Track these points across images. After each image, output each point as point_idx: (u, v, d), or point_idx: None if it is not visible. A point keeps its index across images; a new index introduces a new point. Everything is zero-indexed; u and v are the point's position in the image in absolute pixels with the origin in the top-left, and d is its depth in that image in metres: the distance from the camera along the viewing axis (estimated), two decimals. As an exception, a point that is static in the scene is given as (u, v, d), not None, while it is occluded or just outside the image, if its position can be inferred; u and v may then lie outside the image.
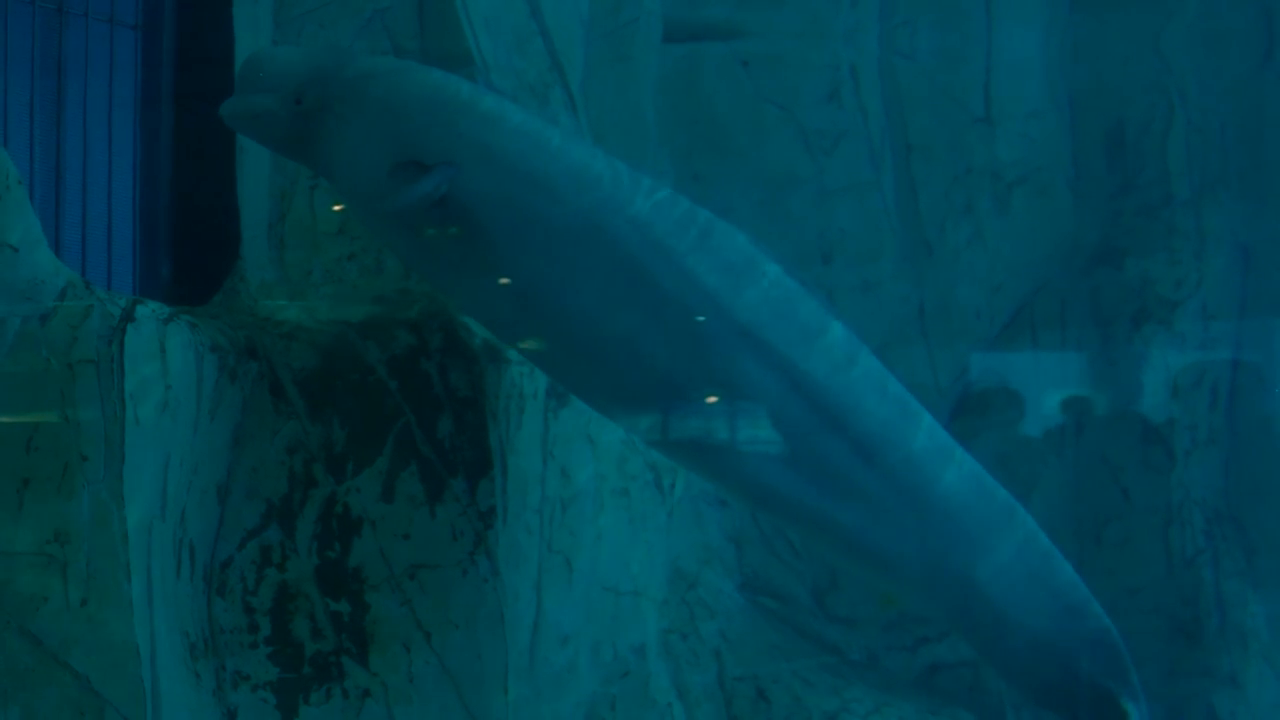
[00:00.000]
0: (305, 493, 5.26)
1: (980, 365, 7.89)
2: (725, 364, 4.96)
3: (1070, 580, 5.57)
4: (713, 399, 5.04)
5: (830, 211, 7.67)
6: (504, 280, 4.93)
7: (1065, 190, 8.11)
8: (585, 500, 5.96)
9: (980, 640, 5.69)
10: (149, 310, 4.74)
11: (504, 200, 4.85)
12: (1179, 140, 8.06)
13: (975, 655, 6.58)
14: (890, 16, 7.80)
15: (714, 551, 7.33)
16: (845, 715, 7.01)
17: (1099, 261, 8.06)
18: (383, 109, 4.95)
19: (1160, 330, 7.92)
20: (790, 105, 7.62)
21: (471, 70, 5.71)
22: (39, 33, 5.99)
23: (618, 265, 4.88)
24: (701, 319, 4.94)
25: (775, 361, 4.97)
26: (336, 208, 5.64)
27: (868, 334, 5.67)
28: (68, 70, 6.08)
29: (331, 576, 5.25)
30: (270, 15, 5.75)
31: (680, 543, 6.93)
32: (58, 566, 4.47)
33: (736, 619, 7.24)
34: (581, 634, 5.96)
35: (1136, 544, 7.73)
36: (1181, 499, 7.82)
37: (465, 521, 5.33)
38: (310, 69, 5.10)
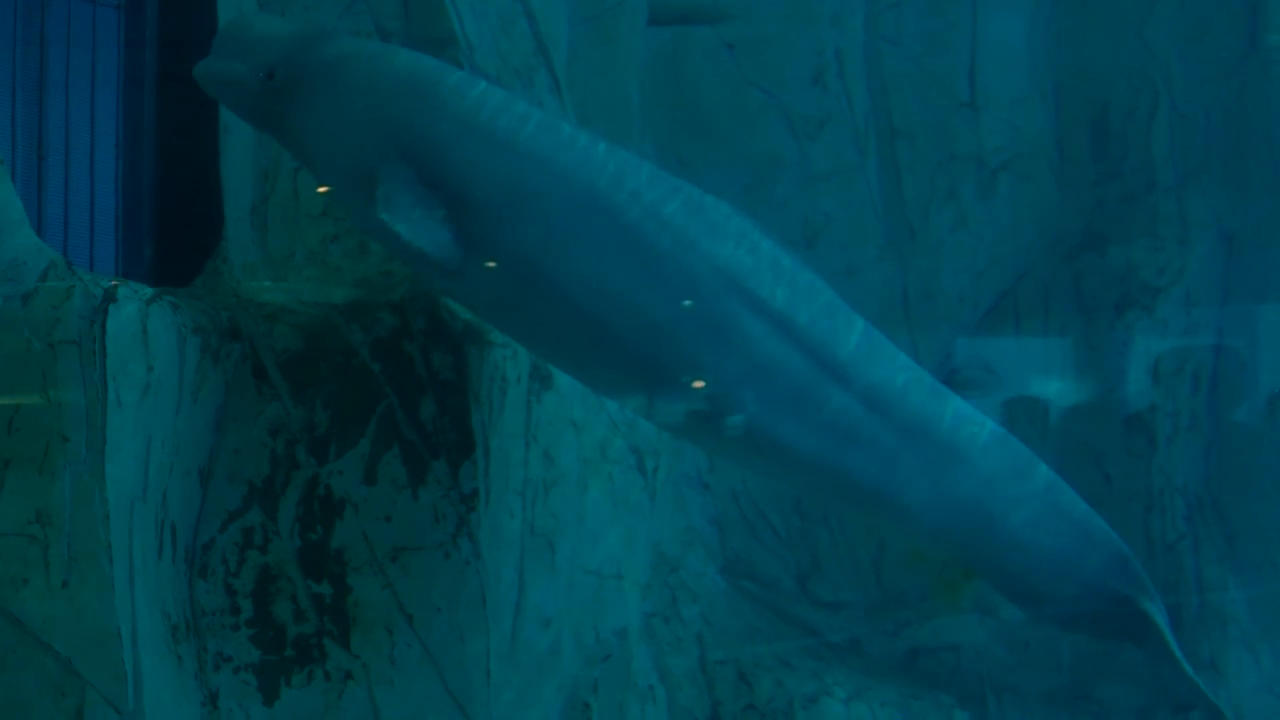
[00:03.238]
0: (287, 475, 5.25)
1: (964, 350, 7.91)
2: (725, 327, 4.99)
3: (1085, 511, 5.81)
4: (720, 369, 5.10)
5: (814, 196, 7.68)
6: (489, 264, 4.91)
7: (1049, 176, 8.13)
8: (568, 483, 5.97)
9: (1004, 580, 5.85)
10: (131, 291, 4.72)
11: (490, 184, 4.84)
12: (1163, 127, 8.07)
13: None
14: (876, 1, 7.80)
15: (696, 535, 7.34)
16: (826, 699, 7.03)
17: (1082, 248, 8.08)
18: (361, 94, 4.90)
19: (1143, 316, 7.94)
20: (775, 89, 7.62)
21: (455, 52, 5.70)
22: (21, 12, 5.96)
23: (612, 237, 4.89)
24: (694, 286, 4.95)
25: (778, 321, 5.00)
26: (321, 189, 5.62)
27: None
28: (50, 50, 6.05)
29: (313, 559, 5.24)
30: (254, -4, 5.73)
31: (663, 526, 6.94)
32: (39, 548, 4.46)
33: (719, 602, 7.26)
34: (563, 617, 5.97)
35: (1118, 529, 7.72)
36: (1163, 485, 7.85)
37: (447, 504, 5.33)
38: (288, 43, 5.03)
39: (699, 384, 5.07)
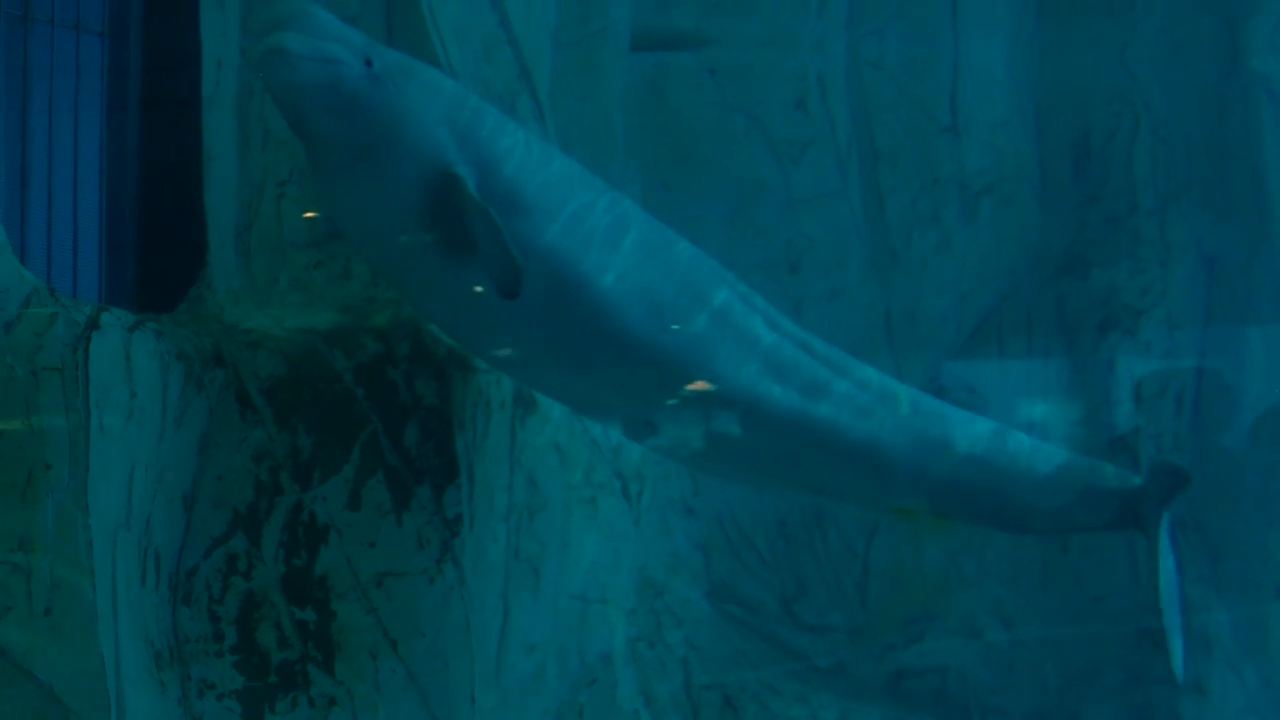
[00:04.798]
0: (271, 501, 5.25)
1: (948, 373, 7.93)
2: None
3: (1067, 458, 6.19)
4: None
5: (797, 220, 7.70)
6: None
7: (1031, 199, 8.16)
8: (553, 508, 5.97)
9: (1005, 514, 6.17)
10: (114, 318, 4.72)
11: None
12: (1144, 150, 8.11)
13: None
14: (858, 26, 7.83)
15: (681, 559, 7.34)
16: (812, 722, 7.03)
17: (1065, 270, 8.11)
18: (431, 99, 4.90)
19: (1125, 338, 7.96)
20: (758, 114, 7.65)
21: (439, 78, 5.70)
22: (4, 39, 5.97)
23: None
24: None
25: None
26: (308, 215, 5.62)
27: (835, 342, 5.74)
28: (34, 76, 6.05)
29: (298, 585, 5.23)
30: (237, 23, 5.74)
31: (648, 551, 6.94)
32: (21, 575, 4.45)
33: (704, 627, 7.25)
34: (548, 642, 5.96)
35: (1101, 551, 7.77)
36: (1146, 506, 7.85)
37: (432, 529, 5.33)
38: (367, 40, 4.89)
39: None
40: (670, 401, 5.32)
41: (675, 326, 5.22)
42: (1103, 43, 8.15)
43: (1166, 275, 8.04)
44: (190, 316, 5.59)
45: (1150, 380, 7.96)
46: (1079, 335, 7.98)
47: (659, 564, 7.17)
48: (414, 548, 5.31)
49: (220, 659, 5.16)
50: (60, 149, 6.18)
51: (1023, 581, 7.79)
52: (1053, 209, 8.17)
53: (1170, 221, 8.12)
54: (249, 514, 5.23)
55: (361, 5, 5.69)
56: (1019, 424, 7.83)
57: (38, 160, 6.09)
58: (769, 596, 7.57)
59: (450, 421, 5.36)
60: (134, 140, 6.43)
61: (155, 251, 6.42)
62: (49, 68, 6.09)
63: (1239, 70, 8.17)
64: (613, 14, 7.18)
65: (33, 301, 4.61)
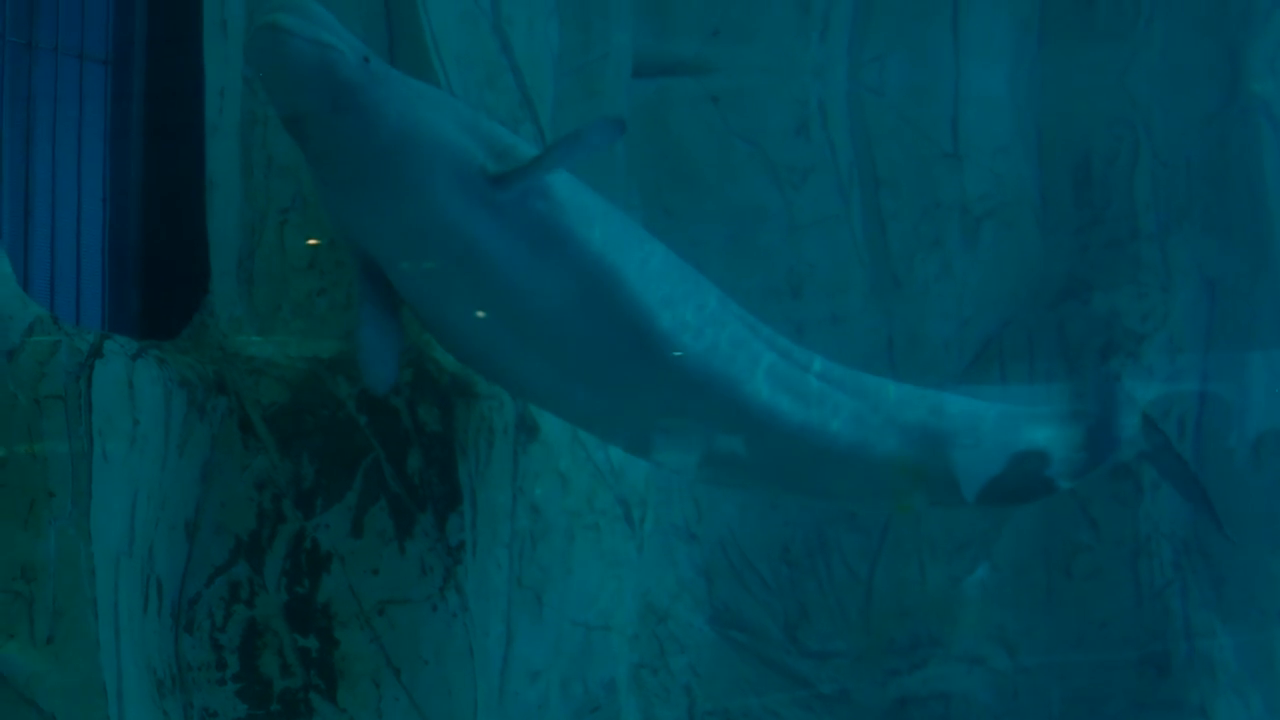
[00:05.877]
0: (274, 528, 5.25)
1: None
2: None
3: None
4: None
5: (799, 245, 7.70)
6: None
7: (1033, 224, 8.16)
8: (555, 535, 5.96)
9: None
10: (117, 346, 4.73)
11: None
12: (1145, 175, 8.12)
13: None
14: (859, 52, 7.85)
15: (684, 585, 7.33)
16: (816, 749, 7.01)
17: (1066, 295, 8.11)
18: (441, 103, 4.94)
19: (1128, 363, 7.96)
20: (759, 140, 7.66)
21: (442, 105, 5.72)
22: (8, 67, 5.98)
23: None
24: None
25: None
26: (311, 242, 5.63)
27: (837, 368, 5.76)
28: (37, 104, 6.06)
29: (300, 612, 5.23)
30: (240, 51, 5.75)
31: (650, 577, 6.93)
32: (24, 603, 4.44)
33: (707, 653, 7.24)
34: (552, 669, 5.95)
35: (1105, 576, 7.76)
36: (1150, 531, 7.85)
37: (434, 557, 5.32)
38: (362, 39, 4.86)
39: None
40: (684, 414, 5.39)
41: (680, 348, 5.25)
42: (1103, 68, 8.16)
43: (1168, 299, 8.04)
44: (193, 344, 5.60)
45: (1153, 404, 7.96)
46: (1081, 360, 7.98)
47: (662, 590, 7.16)
48: (417, 575, 5.30)
49: (223, 687, 5.15)
50: (64, 176, 6.19)
51: (1027, 607, 7.78)
52: (1054, 234, 8.18)
53: (1172, 245, 8.13)
54: (251, 541, 5.23)
55: (365, 30, 5.71)
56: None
57: (41, 187, 6.09)
58: (772, 622, 7.56)
59: (453, 448, 5.36)
60: (137, 168, 6.43)
61: (158, 279, 6.41)
62: (53, 95, 6.10)
63: (1239, 94, 8.18)
64: (615, 41, 7.20)
65: (36, 329, 4.62)
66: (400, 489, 5.31)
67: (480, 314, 5.07)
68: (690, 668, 7.08)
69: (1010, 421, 6.18)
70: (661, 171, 7.54)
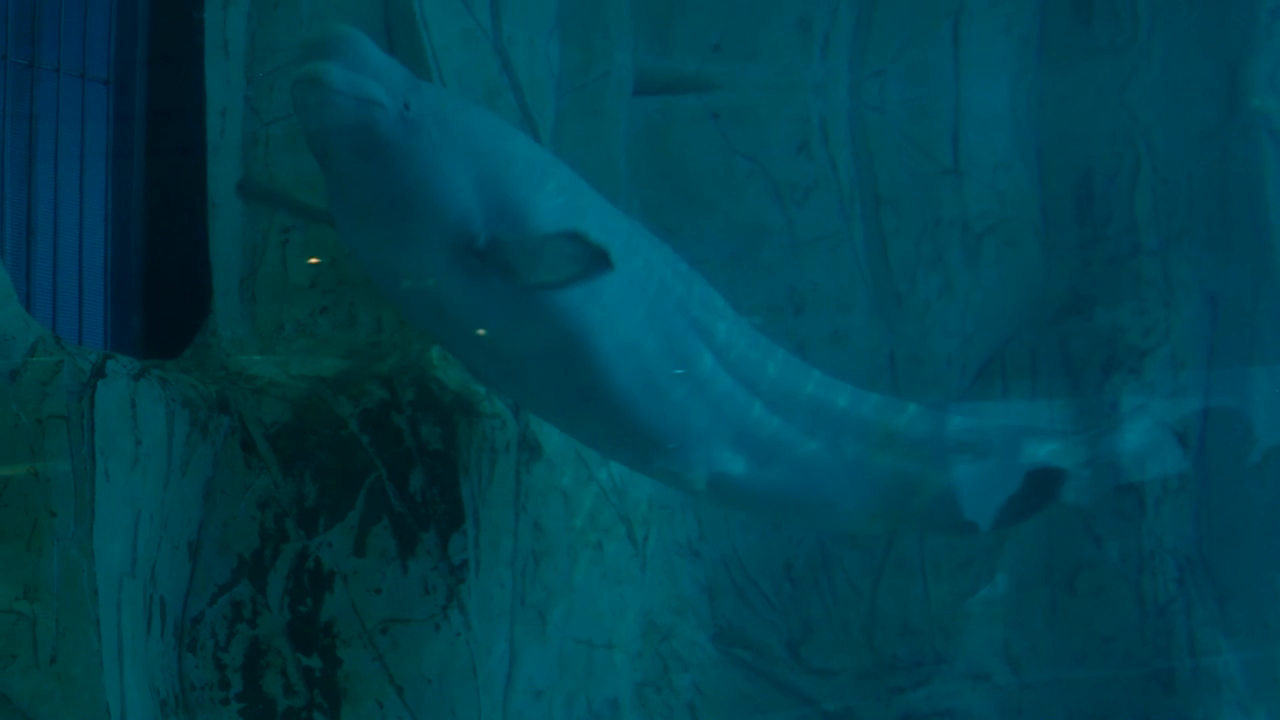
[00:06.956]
0: (277, 548, 5.24)
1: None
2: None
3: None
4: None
5: (801, 263, 7.70)
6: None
7: (1034, 241, 8.16)
8: (558, 553, 5.96)
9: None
10: (120, 365, 4.73)
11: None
12: (1146, 191, 8.12)
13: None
14: (860, 69, 7.86)
15: (687, 603, 7.32)
16: (820, 767, 7.00)
17: (1068, 311, 8.11)
18: (464, 157, 4.80)
19: (1130, 379, 7.95)
20: (760, 157, 7.67)
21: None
22: (11, 87, 6.00)
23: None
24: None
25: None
26: (312, 260, 5.64)
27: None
28: (39, 124, 6.08)
29: (303, 632, 5.22)
30: (242, 71, 5.77)
31: (653, 595, 6.92)
32: (26, 623, 4.44)
33: (710, 671, 7.22)
34: (555, 688, 5.94)
35: (1109, 592, 7.74)
36: (1153, 547, 7.84)
37: (437, 575, 5.31)
38: (408, 77, 4.70)
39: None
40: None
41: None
42: (1104, 84, 8.17)
43: (1170, 315, 8.03)
44: (195, 363, 5.60)
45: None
46: (1084, 376, 7.97)
47: (665, 608, 7.14)
48: (420, 594, 5.30)
49: (226, 707, 5.14)
50: (66, 196, 6.21)
51: (1030, 624, 7.76)
52: (1055, 250, 8.17)
53: (1173, 261, 8.12)
54: (254, 561, 5.22)
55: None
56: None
57: (43, 208, 6.11)
58: (775, 640, 7.54)
59: (455, 467, 5.36)
60: (139, 187, 6.45)
61: (160, 298, 6.43)
62: (55, 116, 6.13)
63: (1240, 110, 8.18)
64: (616, 59, 7.21)
65: (38, 349, 4.63)
66: (403, 508, 5.31)
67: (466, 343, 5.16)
68: (694, 685, 7.06)
69: (1013, 440, 6.22)
70: (663, 189, 7.55)
